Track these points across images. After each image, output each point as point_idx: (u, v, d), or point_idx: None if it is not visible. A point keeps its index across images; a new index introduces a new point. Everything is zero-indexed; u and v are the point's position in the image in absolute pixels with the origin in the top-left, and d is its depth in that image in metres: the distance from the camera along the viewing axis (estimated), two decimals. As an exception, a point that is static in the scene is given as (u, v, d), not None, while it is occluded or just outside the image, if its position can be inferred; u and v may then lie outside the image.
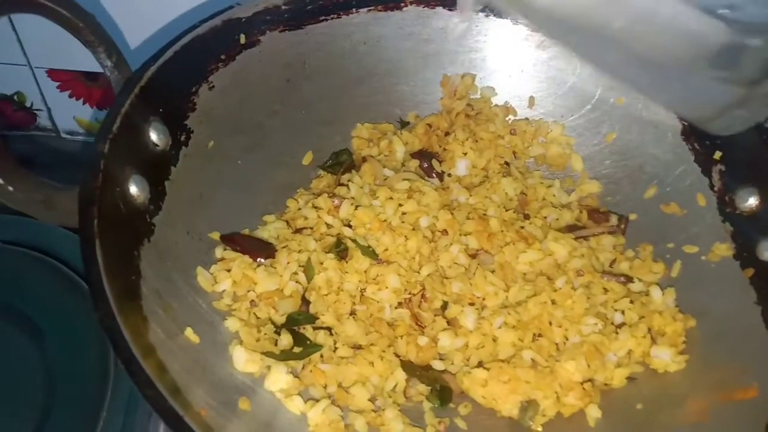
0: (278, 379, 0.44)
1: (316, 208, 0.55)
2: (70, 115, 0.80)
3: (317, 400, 0.44)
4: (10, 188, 0.37)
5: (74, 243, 0.62)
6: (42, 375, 0.55)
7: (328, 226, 0.53)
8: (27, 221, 0.64)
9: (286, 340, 0.46)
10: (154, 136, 0.48)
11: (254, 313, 0.48)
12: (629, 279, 0.53)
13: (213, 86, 0.54)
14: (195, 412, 0.34)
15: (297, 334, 0.47)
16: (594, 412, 0.45)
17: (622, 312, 0.50)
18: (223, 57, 0.55)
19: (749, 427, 0.40)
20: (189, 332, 0.43)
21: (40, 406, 0.53)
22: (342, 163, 0.60)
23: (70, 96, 0.78)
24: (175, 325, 0.42)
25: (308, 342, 0.46)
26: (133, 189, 0.44)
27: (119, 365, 0.52)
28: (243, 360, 0.43)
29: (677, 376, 0.47)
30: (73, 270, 0.62)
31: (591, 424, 0.45)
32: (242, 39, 0.56)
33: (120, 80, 0.47)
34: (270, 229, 0.53)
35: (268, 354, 0.44)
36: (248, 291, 0.48)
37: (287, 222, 0.55)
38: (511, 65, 0.64)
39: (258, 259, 0.50)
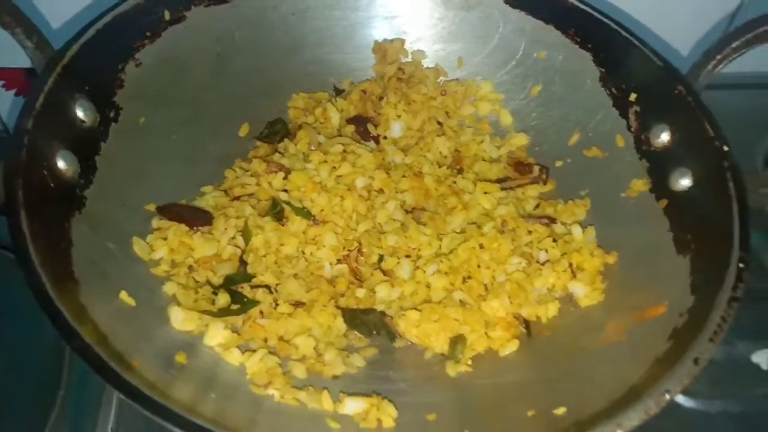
0: (216, 335, 0.45)
1: (252, 174, 0.56)
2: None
3: (255, 350, 0.46)
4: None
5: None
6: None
7: (267, 190, 0.55)
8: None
9: (223, 299, 0.48)
10: (80, 113, 0.49)
11: (192, 277, 0.49)
12: (552, 220, 0.56)
13: (140, 63, 0.55)
14: (126, 364, 0.36)
15: (234, 293, 0.49)
16: (512, 345, 0.48)
17: (546, 250, 0.53)
18: (148, 34, 0.55)
19: (658, 339, 0.43)
20: (123, 295, 0.44)
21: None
22: (277, 132, 0.62)
23: (17, 94, 0.77)
24: (110, 290, 0.43)
25: (245, 299, 0.48)
26: (61, 164, 0.45)
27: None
28: (180, 319, 0.45)
29: (597, 305, 0.50)
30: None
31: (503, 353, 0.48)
32: (167, 15, 0.57)
33: (42, 60, 0.48)
34: (208, 199, 0.55)
35: (205, 312, 0.46)
36: (186, 257, 0.50)
37: (225, 191, 0.57)
38: (438, 28, 0.66)
39: (195, 227, 0.52)
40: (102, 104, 0.51)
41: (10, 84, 0.77)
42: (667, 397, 0.36)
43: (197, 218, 0.52)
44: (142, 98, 0.54)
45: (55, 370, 0.56)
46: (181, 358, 0.43)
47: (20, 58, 0.72)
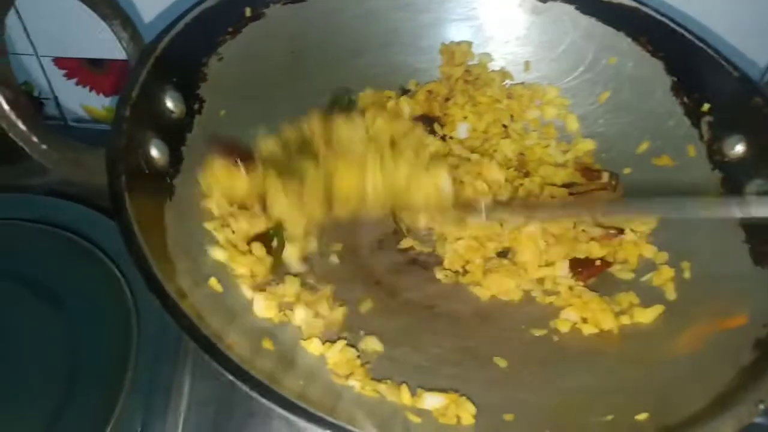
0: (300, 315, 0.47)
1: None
2: (77, 103, 0.81)
3: (334, 342, 0.46)
4: (44, 146, 0.40)
5: (92, 219, 0.65)
6: (67, 341, 0.57)
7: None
8: (42, 199, 0.67)
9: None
10: (170, 103, 0.50)
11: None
12: (620, 231, 0.55)
13: (222, 57, 0.56)
14: (226, 343, 0.37)
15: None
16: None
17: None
18: (230, 29, 0.57)
19: (741, 349, 0.43)
20: (213, 282, 0.45)
21: (67, 369, 0.55)
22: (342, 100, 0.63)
23: (77, 84, 0.79)
24: (199, 275, 0.45)
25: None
26: (154, 152, 0.47)
27: (141, 325, 0.56)
28: (262, 306, 0.46)
29: (672, 313, 0.50)
30: (92, 243, 0.64)
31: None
32: (248, 12, 0.58)
33: (135, 51, 0.50)
34: None
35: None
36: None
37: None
38: (506, 31, 0.66)
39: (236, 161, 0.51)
40: (187, 96, 0.52)
41: (71, 74, 0.79)
42: (761, 407, 0.36)
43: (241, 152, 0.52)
44: (222, 92, 0.56)
45: (123, 353, 0.57)
46: (267, 344, 0.44)
47: (81, 48, 0.74)
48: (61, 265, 0.63)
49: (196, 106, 0.53)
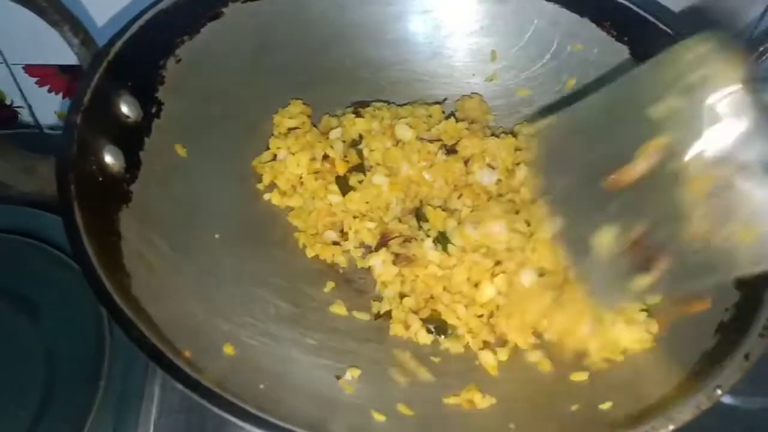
0: None
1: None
2: (51, 110, 0.80)
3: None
4: (-10, 159, 0.39)
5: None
6: (41, 349, 0.57)
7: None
8: (17, 209, 0.67)
9: None
10: (125, 108, 0.49)
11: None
12: None
13: (180, 59, 0.55)
14: (178, 352, 0.37)
15: None
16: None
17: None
18: (187, 30, 0.56)
19: (703, 334, 0.43)
20: (171, 286, 0.45)
21: (42, 378, 0.55)
22: None
23: (50, 91, 0.78)
24: (157, 282, 0.44)
25: None
26: (108, 158, 0.46)
27: (114, 333, 0.55)
28: None
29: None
30: (64, 253, 0.64)
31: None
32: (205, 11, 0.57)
33: (88, 57, 0.49)
34: None
35: None
36: None
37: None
38: (471, 21, 0.65)
39: None
40: (145, 100, 0.52)
41: (43, 81, 0.78)
42: (719, 392, 0.36)
43: None
44: (182, 94, 0.55)
45: (96, 361, 0.57)
46: (228, 349, 0.44)
47: (52, 55, 0.73)
48: (37, 275, 0.63)
49: (154, 110, 0.53)
